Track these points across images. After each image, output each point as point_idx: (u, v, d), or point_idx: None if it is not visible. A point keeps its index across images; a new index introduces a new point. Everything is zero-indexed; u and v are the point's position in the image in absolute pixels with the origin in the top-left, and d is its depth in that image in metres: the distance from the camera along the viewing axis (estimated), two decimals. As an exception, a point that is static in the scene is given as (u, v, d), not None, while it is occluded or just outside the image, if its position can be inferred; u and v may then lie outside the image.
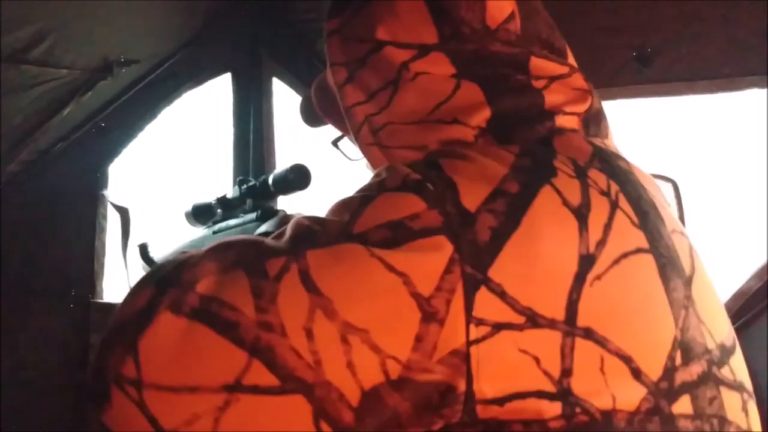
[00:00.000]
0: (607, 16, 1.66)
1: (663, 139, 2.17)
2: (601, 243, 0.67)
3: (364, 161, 0.93)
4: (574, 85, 0.78)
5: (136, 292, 0.63)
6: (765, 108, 1.67)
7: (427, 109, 0.76)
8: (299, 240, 0.63)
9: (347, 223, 0.64)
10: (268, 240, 0.65)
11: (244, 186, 1.30)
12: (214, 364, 0.59)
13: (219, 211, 1.34)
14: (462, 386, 0.60)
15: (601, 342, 0.64)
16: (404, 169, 0.67)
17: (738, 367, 0.74)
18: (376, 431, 0.60)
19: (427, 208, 0.63)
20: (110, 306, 2.30)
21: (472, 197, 0.64)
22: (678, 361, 0.68)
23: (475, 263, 0.61)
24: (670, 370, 0.67)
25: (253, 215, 1.24)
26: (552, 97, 0.76)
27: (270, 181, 1.23)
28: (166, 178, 2.69)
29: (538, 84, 0.76)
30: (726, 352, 0.73)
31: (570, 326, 0.62)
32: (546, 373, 0.61)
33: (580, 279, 0.64)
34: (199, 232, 1.35)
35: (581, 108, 0.78)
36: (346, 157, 1.07)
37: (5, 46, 1.71)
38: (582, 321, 0.63)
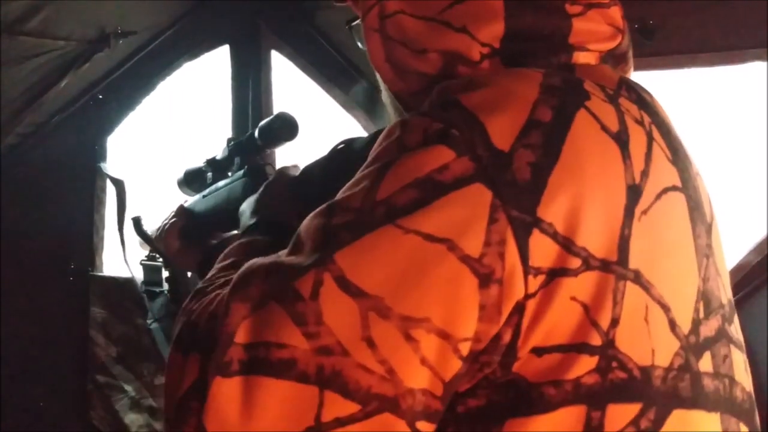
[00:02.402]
0: (609, -12, 1.64)
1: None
2: (645, 174, 0.61)
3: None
4: (609, 19, 0.71)
5: (182, 360, 0.59)
6: (765, 81, 1.66)
7: (442, 3, 0.69)
8: (320, 246, 0.57)
9: (368, 191, 0.58)
10: (286, 258, 0.59)
11: (232, 144, 1.24)
12: (287, 411, 0.54)
13: (210, 174, 1.30)
14: (507, 338, 0.56)
15: (647, 287, 0.59)
16: (422, 120, 0.60)
17: (738, 327, 0.71)
18: None
19: (456, 156, 0.56)
20: (110, 279, 2.30)
21: (503, 135, 0.57)
22: (701, 313, 0.64)
23: (520, 206, 0.55)
24: (696, 323, 0.63)
25: (240, 173, 1.18)
26: (581, 26, 0.69)
27: (256, 134, 1.17)
28: (165, 151, 2.68)
29: (573, 9, 0.68)
30: (732, 309, 0.70)
31: (623, 268, 0.57)
32: (594, 323, 0.56)
33: (629, 212, 0.59)
34: (192, 198, 1.32)
35: (607, 46, 0.71)
36: (359, 42, 0.95)
37: (1, 16, 1.70)
38: (632, 262, 0.58)
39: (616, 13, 0.72)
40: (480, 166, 0.56)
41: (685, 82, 1.92)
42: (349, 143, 0.91)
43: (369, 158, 0.62)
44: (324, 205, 0.60)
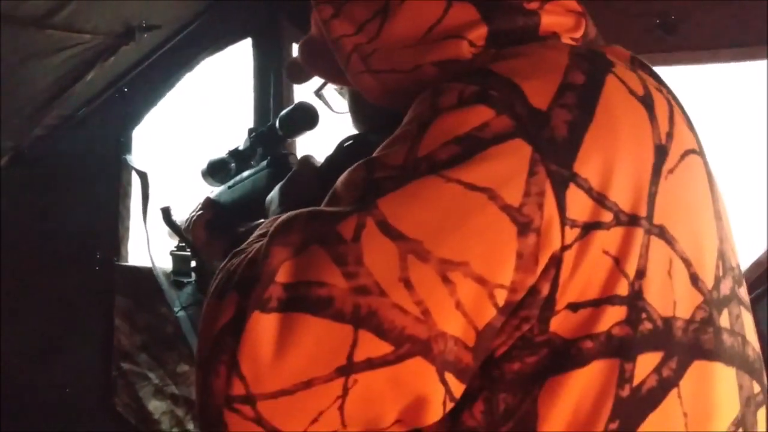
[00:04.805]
0: (631, -18, 1.64)
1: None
2: (670, 136, 0.64)
3: (349, 113, 0.88)
4: (568, 6, 0.73)
5: (218, 302, 0.58)
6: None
7: (418, 34, 0.70)
8: (362, 195, 0.58)
9: (409, 149, 0.59)
10: (327, 208, 0.60)
11: (253, 134, 1.25)
12: (320, 349, 0.54)
13: (233, 165, 1.31)
14: (545, 291, 0.57)
15: (671, 242, 0.61)
16: (455, 85, 0.61)
17: (746, 290, 0.73)
18: None
19: (495, 114, 0.58)
20: (134, 269, 2.34)
21: (540, 96, 0.59)
22: (721, 271, 0.66)
23: (558, 160, 0.57)
24: (718, 280, 0.65)
25: (264, 163, 1.19)
26: (548, 20, 0.70)
27: (277, 124, 1.18)
28: (189, 143, 2.70)
29: (532, 5, 0.70)
30: (740, 273, 0.72)
31: (649, 223, 0.60)
32: (624, 274, 0.58)
33: (657, 171, 0.61)
34: (217, 189, 1.34)
35: (578, 34, 0.73)
36: (329, 107, 1.01)
37: (29, 10, 1.73)
38: (657, 218, 0.60)
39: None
40: (519, 123, 0.58)
41: (705, 77, 1.91)
42: (355, 136, 0.92)
43: (402, 125, 0.63)
44: (362, 161, 0.61)
